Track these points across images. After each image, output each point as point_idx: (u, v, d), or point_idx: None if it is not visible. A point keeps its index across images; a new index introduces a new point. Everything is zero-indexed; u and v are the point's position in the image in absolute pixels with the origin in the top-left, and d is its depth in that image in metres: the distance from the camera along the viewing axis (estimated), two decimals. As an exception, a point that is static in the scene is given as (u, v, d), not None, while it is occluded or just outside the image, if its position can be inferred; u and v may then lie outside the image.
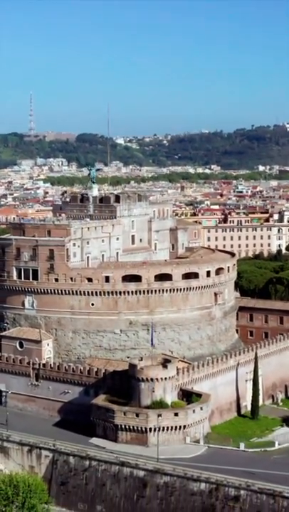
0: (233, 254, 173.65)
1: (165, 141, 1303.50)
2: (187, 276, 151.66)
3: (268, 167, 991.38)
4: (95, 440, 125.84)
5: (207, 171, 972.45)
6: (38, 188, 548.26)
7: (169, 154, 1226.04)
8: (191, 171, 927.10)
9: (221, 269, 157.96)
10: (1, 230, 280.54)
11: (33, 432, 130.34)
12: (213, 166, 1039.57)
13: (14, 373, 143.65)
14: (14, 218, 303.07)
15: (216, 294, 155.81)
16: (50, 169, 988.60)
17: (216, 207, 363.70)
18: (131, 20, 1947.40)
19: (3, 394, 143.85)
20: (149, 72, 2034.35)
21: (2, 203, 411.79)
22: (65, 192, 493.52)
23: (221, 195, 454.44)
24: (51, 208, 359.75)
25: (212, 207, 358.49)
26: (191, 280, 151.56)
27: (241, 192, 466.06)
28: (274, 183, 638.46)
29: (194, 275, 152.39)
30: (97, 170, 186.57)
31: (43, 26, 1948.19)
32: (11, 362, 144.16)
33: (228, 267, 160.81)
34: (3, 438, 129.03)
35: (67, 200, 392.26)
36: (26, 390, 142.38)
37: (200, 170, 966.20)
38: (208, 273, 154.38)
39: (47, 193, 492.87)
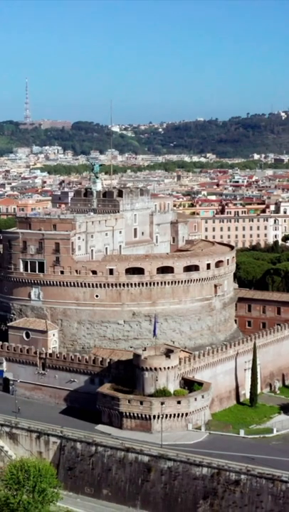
0: (232, 247, 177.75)
1: (160, 129, 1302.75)
2: (188, 268, 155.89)
3: (263, 155, 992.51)
4: (100, 427, 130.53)
5: (202, 159, 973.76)
6: (36, 177, 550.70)
7: (165, 142, 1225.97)
8: (187, 159, 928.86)
9: (221, 261, 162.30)
10: (3, 221, 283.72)
11: (41, 419, 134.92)
12: (208, 155, 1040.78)
13: (21, 362, 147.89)
14: (15, 209, 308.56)
15: (215, 286, 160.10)
16: (45, 157, 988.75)
17: (213, 197, 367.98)
18: (127, 9, 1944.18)
19: (11, 382, 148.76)
20: (145, 60, 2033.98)
21: (1, 192, 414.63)
22: (63, 181, 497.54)
23: (218, 185, 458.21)
24: (50, 197, 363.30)
25: (209, 197, 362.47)
26: (192, 272, 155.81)
27: (237, 182, 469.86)
28: (269, 172, 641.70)
29: (195, 268, 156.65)
30: (100, 165, 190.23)
31: (39, 14, 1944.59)
32: (19, 352, 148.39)
33: (228, 260, 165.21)
34: (12, 425, 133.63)
35: (66, 190, 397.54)
36: (33, 379, 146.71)
37: (195, 158, 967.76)
38: (209, 266, 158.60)
39: (45, 182, 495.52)
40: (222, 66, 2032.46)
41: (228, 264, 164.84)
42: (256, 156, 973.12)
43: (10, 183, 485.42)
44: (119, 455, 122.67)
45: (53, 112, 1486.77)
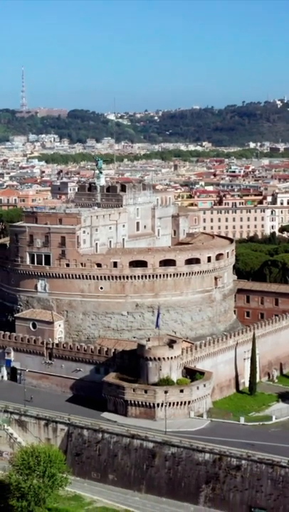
0: (231, 240, 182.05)
1: (156, 117, 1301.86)
2: (189, 261, 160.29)
3: (258, 144, 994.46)
4: (106, 414, 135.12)
5: (198, 148, 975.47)
6: (34, 167, 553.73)
7: (160, 130, 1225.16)
8: (183, 148, 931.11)
9: (221, 254, 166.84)
10: (5, 212, 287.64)
11: (48, 407, 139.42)
12: (204, 143, 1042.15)
13: (29, 352, 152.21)
14: (16, 200, 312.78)
15: (216, 278, 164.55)
16: (42, 145, 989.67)
17: (211, 188, 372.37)
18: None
19: (19, 372, 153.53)
20: (141, 48, 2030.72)
21: (0, 182, 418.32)
22: (61, 171, 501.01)
23: (215, 175, 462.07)
24: (50, 188, 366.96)
25: (207, 188, 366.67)
26: (193, 265, 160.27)
27: (234, 172, 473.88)
28: (265, 161, 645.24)
29: (196, 260, 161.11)
30: (104, 161, 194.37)
31: (35, 2, 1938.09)
32: (26, 342, 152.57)
33: (228, 253, 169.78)
34: (21, 413, 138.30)
35: (65, 180, 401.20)
36: (40, 368, 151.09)
37: (191, 147, 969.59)
38: (209, 258, 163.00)
39: (43, 172, 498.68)
40: (218, 54, 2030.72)
41: (227, 256, 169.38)
42: (252, 145, 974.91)
43: (8, 173, 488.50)
44: (125, 441, 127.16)
45: (49, 100, 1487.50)
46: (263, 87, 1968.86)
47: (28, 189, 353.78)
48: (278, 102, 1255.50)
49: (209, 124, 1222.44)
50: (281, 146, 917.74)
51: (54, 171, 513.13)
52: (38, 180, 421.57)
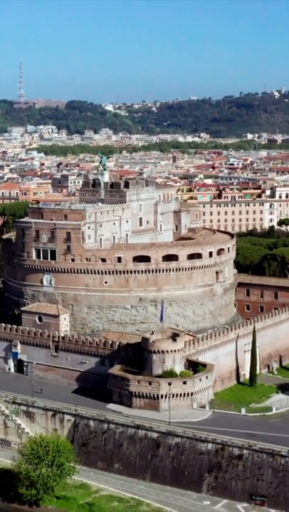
0: (232, 236, 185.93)
1: (154, 108, 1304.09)
2: (191, 256, 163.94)
3: (256, 135, 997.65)
4: (111, 406, 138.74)
5: (196, 139, 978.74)
6: (33, 159, 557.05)
7: (158, 121, 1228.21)
8: (181, 139, 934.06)
9: (222, 249, 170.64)
10: (8, 205, 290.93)
11: (54, 399, 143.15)
12: (202, 134, 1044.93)
13: (35, 345, 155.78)
14: (17, 193, 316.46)
15: (217, 273, 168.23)
16: (40, 137, 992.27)
17: (210, 180, 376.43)
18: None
19: (25, 364, 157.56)
20: (139, 38, 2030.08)
21: (0, 175, 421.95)
22: (60, 163, 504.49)
23: (213, 168, 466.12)
24: (50, 181, 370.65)
25: (206, 181, 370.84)
26: (195, 260, 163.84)
27: (232, 164, 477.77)
28: (263, 153, 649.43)
29: (198, 256, 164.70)
30: (108, 158, 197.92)
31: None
32: (32, 335, 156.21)
33: (228, 248, 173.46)
34: (28, 404, 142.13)
35: (65, 173, 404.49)
36: (46, 361, 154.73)
37: (189, 138, 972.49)
38: (211, 253, 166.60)
39: (43, 164, 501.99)
40: (215, 45, 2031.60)
41: (228, 251, 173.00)
42: (250, 136, 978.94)
43: (8, 165, 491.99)
44: (130, 432, 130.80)
45: (46, 91, 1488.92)
46: (261, 78, 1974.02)
47: (29, 182, 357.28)
48: (276, 93, 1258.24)
49: (207, 115, 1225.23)
50: (279, 138, 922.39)
51: (53, 163, 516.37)
52: (38, 173, 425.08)
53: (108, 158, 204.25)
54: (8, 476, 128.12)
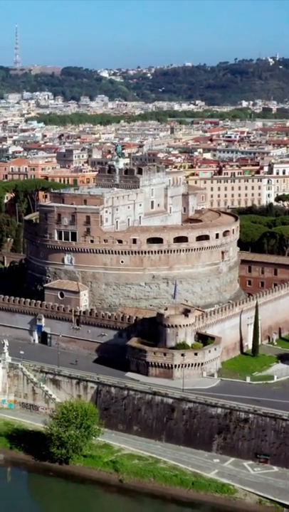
0: (236, 218, 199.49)
1: (149, 74, 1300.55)
2: (200, 238, 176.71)
3: (251, 102, 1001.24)
4: (129, 374, 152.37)
5: (192, 106, 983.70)
6: (34, 129, 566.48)
7: (153, 87, 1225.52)
8: (177, 107, 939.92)
9: (227, 231, 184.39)
10: (20, 182, 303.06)
11: (77, 368, 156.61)
12: (197, 102, 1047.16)
13: (58, 319, 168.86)
14: (26, 169, 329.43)
15: (222, 252, 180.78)
16: (36, 103, 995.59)
17: (209, 155, 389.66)
18: None
19: (49, 336, 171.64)
20: (133, 4, 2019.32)
21: (4, 147, 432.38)
22: (62, 135, 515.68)
23: (211, 140, 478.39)
24: (55, 154, 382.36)
25: (205, 155, 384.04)
26: (203, 241, 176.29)
27: (230, 137, 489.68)
28: (259, 123, 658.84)
29: (205, 237, 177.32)
30: (122, 147, 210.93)
31: None
32: (56, 309, 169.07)
33: (233, 229, 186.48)
34: (55, 372, 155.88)
35: (68, 145, 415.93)
36: (69, 333, 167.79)
37: (185, 106, 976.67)
38: (217, 235, 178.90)
39: (45, 136, 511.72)
40: (210, 10, 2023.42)
41: (233, 233, 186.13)
42: (244, 103, 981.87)
43: (11, 136, 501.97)
44: (148, 398, 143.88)
45: (42, 57, 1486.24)
46: (255, 45, 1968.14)
47: (36, 157, 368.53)
48: (270, 60, 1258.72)
49: (202, 82, 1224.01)
50: (273, 106, 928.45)
51: (55, 134, 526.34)
52: (42, 145, 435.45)
53: (123, 147, 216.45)
54: (39, 437, 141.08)
